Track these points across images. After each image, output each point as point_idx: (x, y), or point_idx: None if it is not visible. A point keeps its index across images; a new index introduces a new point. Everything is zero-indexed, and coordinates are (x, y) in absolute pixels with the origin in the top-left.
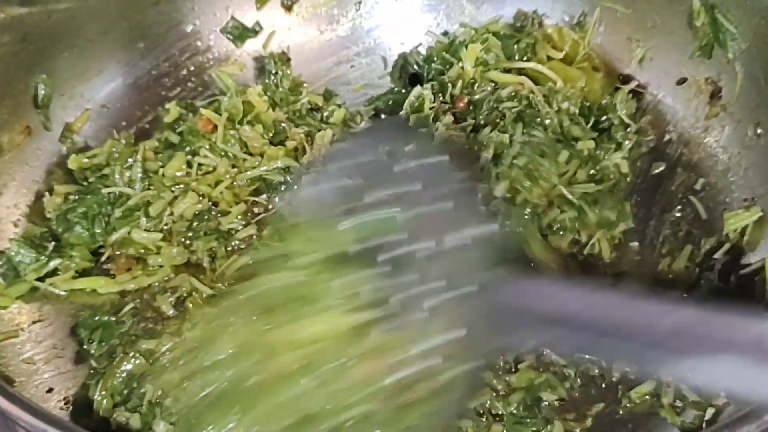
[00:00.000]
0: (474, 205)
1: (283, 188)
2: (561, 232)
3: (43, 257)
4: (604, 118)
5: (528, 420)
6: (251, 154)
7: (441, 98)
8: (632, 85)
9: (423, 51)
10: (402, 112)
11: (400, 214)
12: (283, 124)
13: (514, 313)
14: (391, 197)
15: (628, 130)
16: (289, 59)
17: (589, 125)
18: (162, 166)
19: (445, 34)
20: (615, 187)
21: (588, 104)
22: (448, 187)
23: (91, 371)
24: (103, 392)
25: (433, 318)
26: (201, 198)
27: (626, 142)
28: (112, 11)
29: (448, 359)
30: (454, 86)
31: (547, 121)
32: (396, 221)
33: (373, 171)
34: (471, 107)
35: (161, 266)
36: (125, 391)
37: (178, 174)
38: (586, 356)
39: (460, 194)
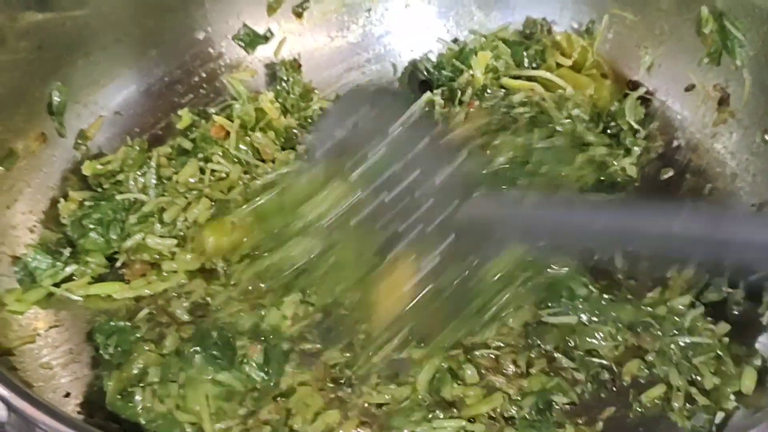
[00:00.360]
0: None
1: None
2: None
3: (59, 263)
4: (612, 124)
5: (540, 423)
6: (263, 161)
7: (451, 105)
8: (641, 91)
9: (433, 58)
10: None
11: (389, 156)
12: (295, 130)
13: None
14: (380, 144)
15: (637, 136)
16: (299, 66)
17: (599, 131)
18: (175, 173)
19: (455, 41)
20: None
21: (597, 111)
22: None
23: (105, 363)
24: (114, 383)
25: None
26: (214, 204)
27: (635, 148)
28: (125, 19)
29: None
30: (463, 93)
31: (559, 128)
32: (388, 162)
33: (360, 126)
34: None
35: (175, 272)
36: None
37: (192, 180)
38: (596, 360)
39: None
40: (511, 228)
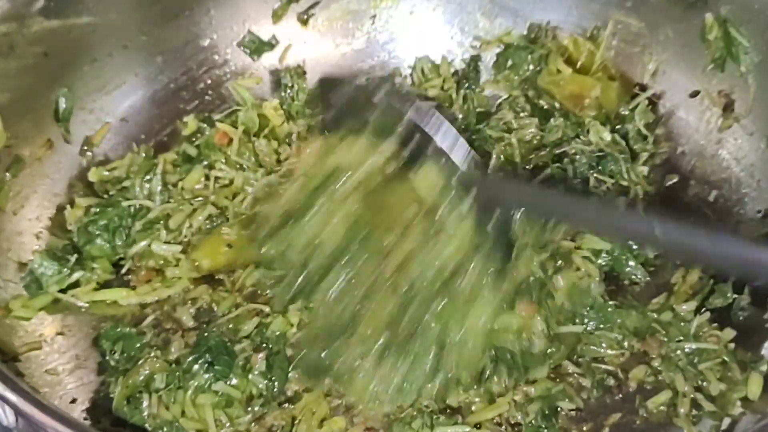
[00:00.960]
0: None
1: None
2: None
3: (65, 269)
4: (618, 127)
5: (546, 430)
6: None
7: None
8: (650, 92)
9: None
10: None
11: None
12: (293, 136)
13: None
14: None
15: (646, 141)
16: (304, 72)
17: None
18: (181, 179)
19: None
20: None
21: (605, 113)
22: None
23: (112, 369)
24: (121, 388)
25: None
26: (219, 211)
27: (643, 153)
28: (131, 26)
29: None
30: None
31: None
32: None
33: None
34: None
35: (180, 278)
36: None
37: (197, 187)
38: (601, 366)
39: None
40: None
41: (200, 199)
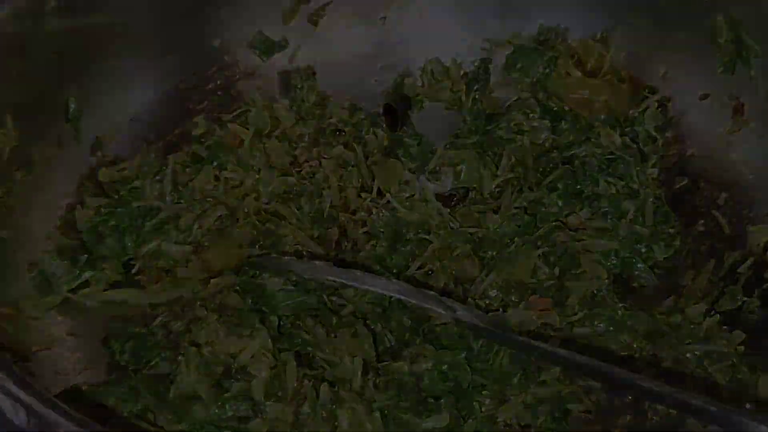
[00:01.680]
0: None
1: None
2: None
3: (75, 269)
4: (627, 129)
5: None
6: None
7: None
8: (658, 95)
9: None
10: None
11: None
12: (305, 138)
13: None
14: None
15: (656, 143)
16: (314, 73)
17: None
18: (191, 180)
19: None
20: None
21: (614, 116)
22: None
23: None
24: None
25: None
26: (229, 211)
27: (653, 155)
28: (142, 26)
29: None
30: None
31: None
32: None
33: None
34: None
35: (190, 278)
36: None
37: (208, 187)
38: None
39: None
40: None
41: (210, 199)
